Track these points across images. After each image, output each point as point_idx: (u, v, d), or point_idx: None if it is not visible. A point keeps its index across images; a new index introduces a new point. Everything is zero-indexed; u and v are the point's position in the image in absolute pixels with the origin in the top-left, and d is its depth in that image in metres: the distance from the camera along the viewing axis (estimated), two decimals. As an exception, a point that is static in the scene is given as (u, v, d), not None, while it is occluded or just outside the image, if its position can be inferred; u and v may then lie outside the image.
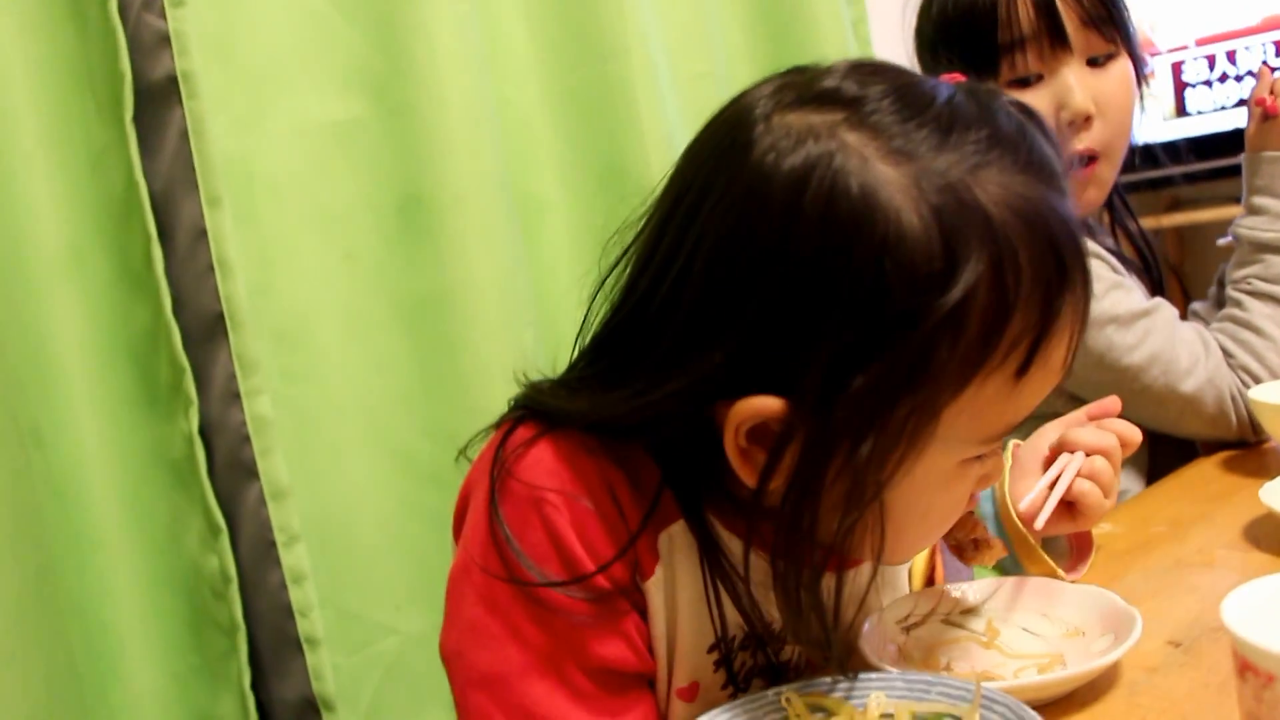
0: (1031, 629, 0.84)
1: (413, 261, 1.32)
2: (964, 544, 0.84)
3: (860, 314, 0.62)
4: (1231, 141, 1.51)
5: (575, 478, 0.72)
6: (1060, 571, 0.91)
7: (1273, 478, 1.03)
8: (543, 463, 0.73)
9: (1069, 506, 0.93)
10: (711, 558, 0.76)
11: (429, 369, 1.33)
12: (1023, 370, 0.65)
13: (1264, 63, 2.50)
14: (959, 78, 0.71)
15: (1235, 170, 1.43)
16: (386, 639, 1.32)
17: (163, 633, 1.19)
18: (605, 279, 0.77)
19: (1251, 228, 1.33)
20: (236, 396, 1.16)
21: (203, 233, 1.14)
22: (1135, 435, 0.93)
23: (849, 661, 0.74)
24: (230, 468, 1.17)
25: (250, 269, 1.20)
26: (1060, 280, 0.65)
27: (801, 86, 0.68)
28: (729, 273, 0.65)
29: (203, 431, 1.16)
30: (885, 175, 0.62)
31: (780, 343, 0.64)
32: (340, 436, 1.28)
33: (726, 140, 0.68)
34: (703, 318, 0.67)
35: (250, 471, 1.17)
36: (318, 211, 1.28)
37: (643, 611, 0.76)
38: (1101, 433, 0.92)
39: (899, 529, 0.71)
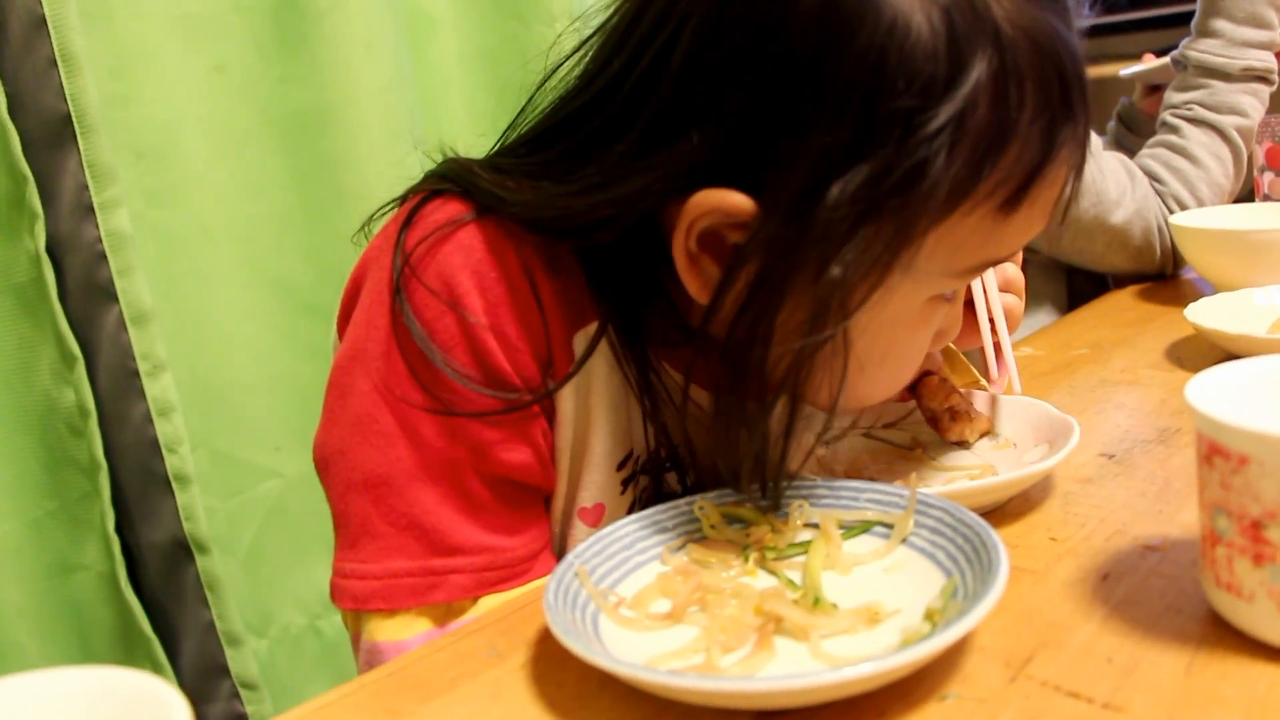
0: (959, 442, 0.79)
1: (288, 73, 1.21)
2: (938, 414, 0.77)
3: (856, 109, 0.55)
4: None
5: (499, 266, 0.65)
6: (984, 381, 0.86)
7: (1185, 305, 1.00)
8: (470, 249, 0.65)
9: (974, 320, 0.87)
10: (637, 366, 0.69)
11: (307, 190, 1.23)
12: (1010, 204, 0.59)
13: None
14: None
15: (1134, 26, 1.39)
16: (266, 482, 1.25)
17: (14, 475, 1.10)
18: (556, 68, 0.69)
19: (1204, 51, 1.27)
20: (90, 210, 1.05)
21: (41, 21, 1.00)
22: None
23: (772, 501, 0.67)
24: (85, 289, 1.06)
25: (103, 75, 1.08)
26: (1064, 113, 0.59)
27: None
28: (716, 56, 0.58)
29: (51, 250, 1.05)
30: None
31: (763, 134, 0.57)
32: (210, 262, 1.18)
33: None
34: (682, 104, 0.59)
35: (107, 293, 1.06)
36: (182, 14, 1.15)
37: (550, 418, 0.69)
38: None
39: (857, 371, 0.63)
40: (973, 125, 0.55)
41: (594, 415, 0.70)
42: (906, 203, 0.56)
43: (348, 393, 0.66)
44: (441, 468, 0.65)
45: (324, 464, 0.68)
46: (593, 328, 0.68)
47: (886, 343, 0.66)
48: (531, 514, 0.70)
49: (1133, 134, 1.52)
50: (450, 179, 0.69)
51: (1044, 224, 0.64)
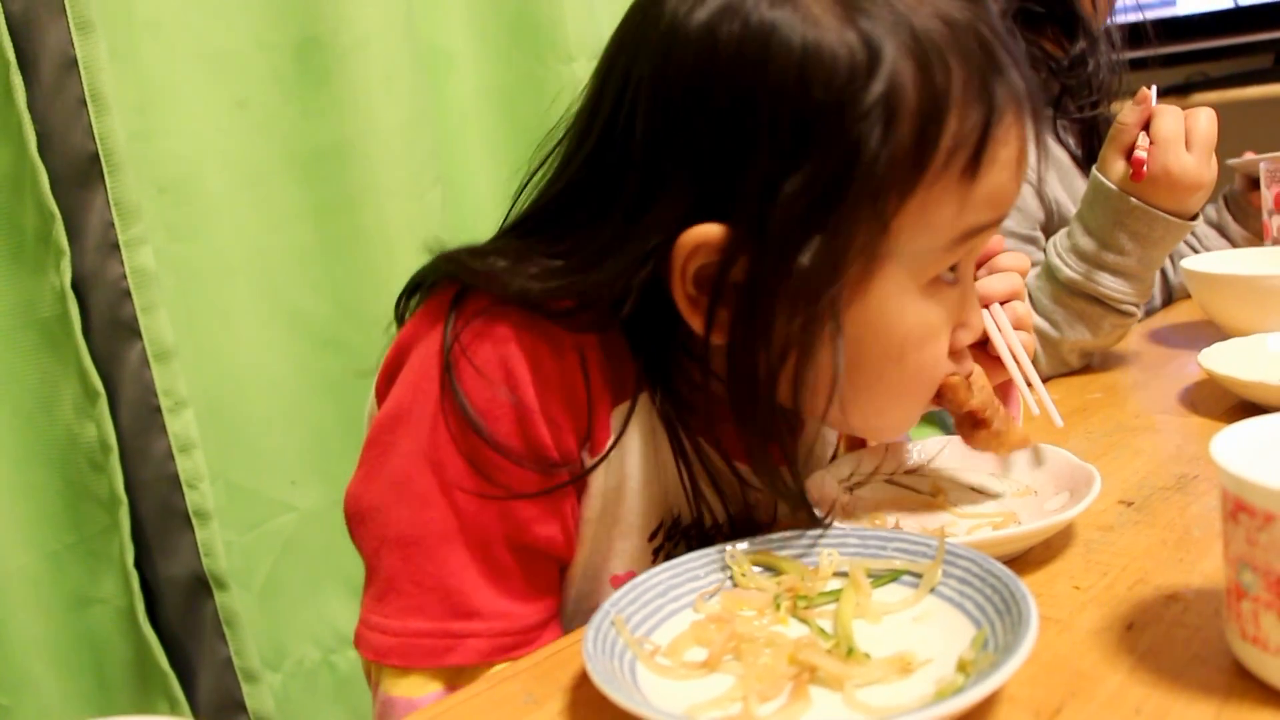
0: (980, 488, 0.80)
1: (310, 109, 1.22)
2: (959, 419, 0.77)
3: (787, 115, 0.60)
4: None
5: (551, 349, 0.67)
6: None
7: (1198, 349, 1.01)
8: (527, 327, 0.67)
9: (996, 359, 0.88)
10: (674, 435, 0.71)
11: (326, 226, 1.24)
12: (971, 168, 0.63)
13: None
14: None
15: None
16: (282, 516, 1.25)
17: (35, 508, 1.10)
18: (545, 159, 0.73)
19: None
20: (115, 247, 1.05)
21: (72, 62, 1.02)
22: (1025, 262, 0.89)
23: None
24: (109, 326, 1.07)
25: (128, 111, 1.09)
26: (993, 70, 0.63)
27: None
28: (666, 112, 0.64)
29: (77, 286, 1.05)
30: None
31: (720, 167, 0.62)
32: (230, 297, 1.19)
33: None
34: (652, 164, 0.64)
35: (131, 330, 1.07)
36: (206, 51, 1.17)
37: (579, 492, 0.71)
38: (1006, 276, 0.86)
39: (873, 376, 0.67)
40: (903, 101, 0.60)
41: (626, 487, 0.72)
42: (852, 182, 0.60)
43: (389, 451, 0.68)
44: (473, 534, 0.67)
45: (358, 517, 0.70)
46: (629, 403, 0.70)
47: (897, 341, 0.67)
48: (547, 582, 0.71)
49: (1237, 222, 1.51)
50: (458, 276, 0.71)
51: (1018, 183, 0.67)
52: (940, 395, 0.75)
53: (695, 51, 0.62)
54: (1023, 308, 0.85)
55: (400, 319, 0.75)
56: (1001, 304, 0.83)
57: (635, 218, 0.64)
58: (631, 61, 0.66)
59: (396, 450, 0.67)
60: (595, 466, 0.69)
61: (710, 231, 0.63)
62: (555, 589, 0.73)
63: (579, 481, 0.70)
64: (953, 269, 0.69)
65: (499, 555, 0.67)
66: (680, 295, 0.65)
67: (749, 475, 0.71)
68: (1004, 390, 0.88)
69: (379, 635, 0.68)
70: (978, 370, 0.76)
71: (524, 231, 0.72)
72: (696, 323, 0.66)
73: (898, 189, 0.61)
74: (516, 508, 0.67)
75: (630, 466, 0.71)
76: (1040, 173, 0.69)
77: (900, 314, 0.66)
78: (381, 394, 0.72)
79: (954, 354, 0.72)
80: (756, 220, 0.61)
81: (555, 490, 0.68)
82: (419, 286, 0.74)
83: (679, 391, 0.71)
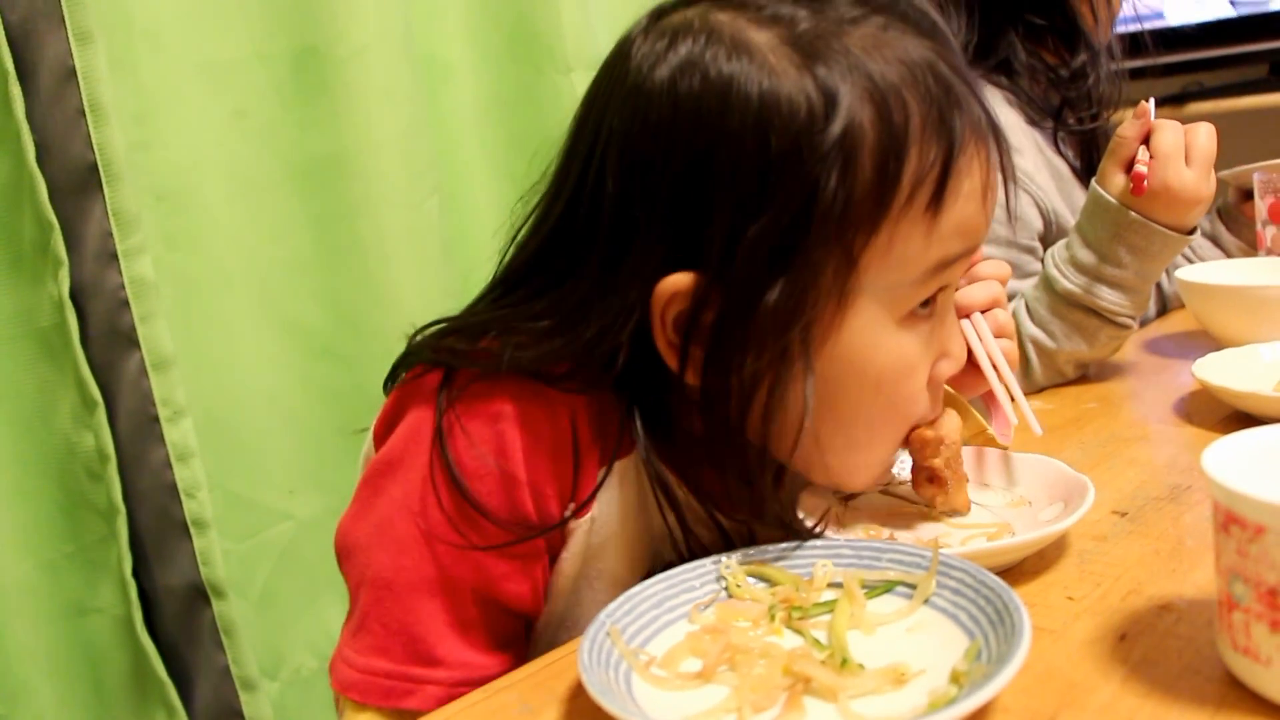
0: (974, 499, 0.80)
1: (308, 119, 1.23)
2: (918, 470, 0.76)
3: (749, 161, 0.62)
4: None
5: (546, 414, 0.68)
6: (993, 433, 0.87)
7: (1192, 359, 1.02)
8: (519, 395, 0.68)
9: (977, 368, 0.88)
10: (668, 479, 0.72)
11: (324, 235, 1.24)
12: (935, 202, 0.64)
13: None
14: None
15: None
16: (279, 525, 1.26)
17: (32, 517, 1.10)
18: (524, 222, 0.74)
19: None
20: (114, 257, 1.06)
21: (71, 72, 1.02)
22: (1006, 270, 0.88)
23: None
24: (107, 335, 1.08)
25: (127, 121, 1.09)
26: (950, 104, 0.64)
27: None
28: (635, 175, 0.65)
29: (75, 296, 1.06)
30: (756, 39, 0.63)
31: (689, 217, 0.64)
32: (227, 306, 1.19)
33: (614, 56, 0.70)
34: (626, 219, 0.66)
35: (129, 339, 1.08)
36: (205, 61, 1.17)
37: (557, 551, 0.72)
38: (986, 284, 0.87)
39: (850, 412, 0.68)
40: (862, 142, 0.62)
41: (609, 545, 0.72)
42: (814, 223, 0.61)
43: (379, 494, 0.69)
44: (444, 585, 0.68)
45: (345, 552, 0.71)
46: (615, 463, 0.71)
47: (875, 373, 0.68)
48: (509, 637, 0.72)
49: (1231, 232, 1.50)
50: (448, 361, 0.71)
51: (986, 212, 0.68)
52: (909, 441, 0.75)
53: (658, 107, 0.64)
54: (1004, 315, 0.86)
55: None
56: (983, 312, 0.84)
57: (612, 271, 0.66)
58: (601, 117, 0.68)
59: (385, 495, 0.69)
60: (567, 520, 0.70)
61: (682, 280, 0.64)
62: (518, 643, 0.74)
63: (556, 541, 0.71)
64: (927, 302, 0.69)
65: (467, 607, 0.69)
66: (663, 343, 0.67)
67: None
68: (987, 399, 0.88)
69: (345, 668, 0.69)
70: (950, 425, 0.76)
71: (504, 290, 0.73)
72: (675, 363, 0.67)
73: (863, 227, 0.63)
74: (489, 564, 0.68)
75: (613, 524, 0.72)
76: (1005, 170, 0.70)
77: (875, 348, 0.67)
78: (379, 440, 0.73)
79: (931, 385, 0.73)
80: (725, 262, 0.63)
81: (529, 540, 0.68)
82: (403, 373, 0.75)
83: (675, 440, 0.71)
